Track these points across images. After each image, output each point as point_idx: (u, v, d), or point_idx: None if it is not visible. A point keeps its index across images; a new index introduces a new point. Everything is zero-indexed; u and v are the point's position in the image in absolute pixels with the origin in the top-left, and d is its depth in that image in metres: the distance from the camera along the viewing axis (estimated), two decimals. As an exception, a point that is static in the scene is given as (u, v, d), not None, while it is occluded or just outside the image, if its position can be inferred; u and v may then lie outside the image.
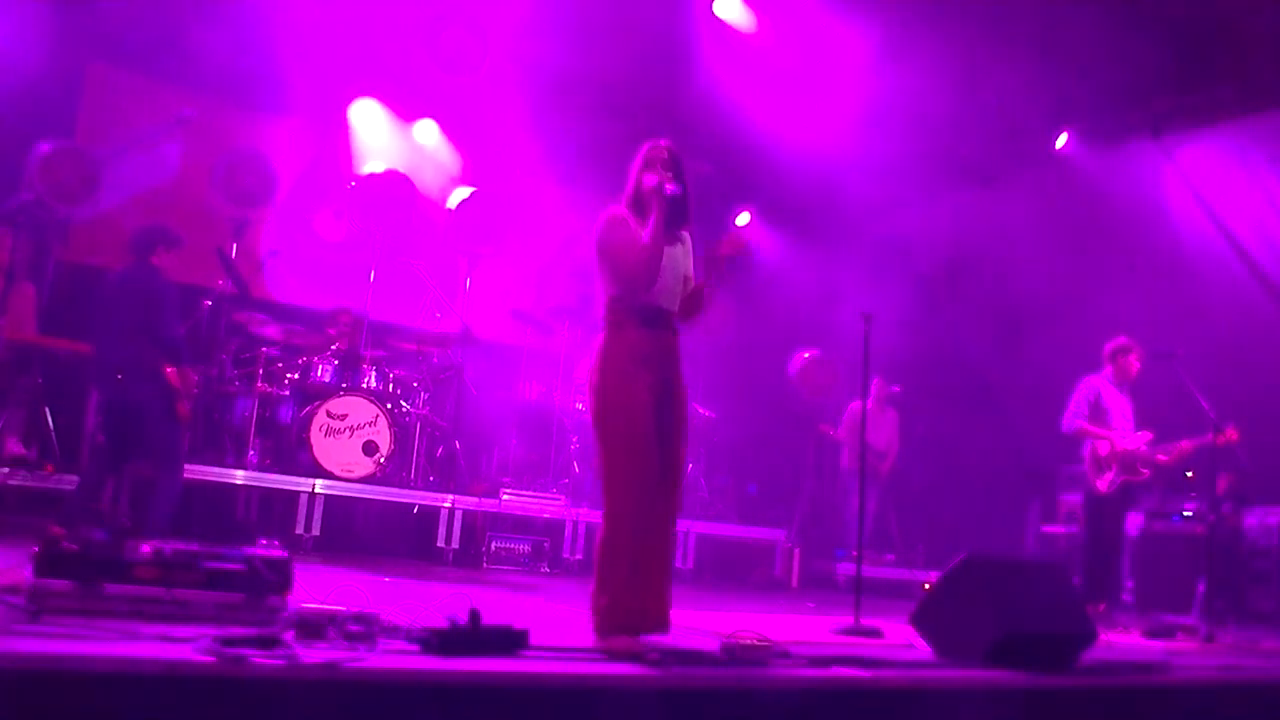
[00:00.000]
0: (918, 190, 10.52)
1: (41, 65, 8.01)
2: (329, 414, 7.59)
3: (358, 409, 7.67)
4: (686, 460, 4.00)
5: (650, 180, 3.83)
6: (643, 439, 3.67)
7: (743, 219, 11.62)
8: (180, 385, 5.88)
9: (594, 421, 3.78)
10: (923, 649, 4.16)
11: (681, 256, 3.93)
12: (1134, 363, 7.32)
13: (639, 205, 3.87)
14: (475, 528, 7.99)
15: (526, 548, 7.95)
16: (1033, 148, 9.69)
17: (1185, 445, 7.07)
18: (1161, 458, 7.13)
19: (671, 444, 3.80)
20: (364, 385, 7.96)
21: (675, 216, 3.87)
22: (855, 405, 9.57)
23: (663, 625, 3.66)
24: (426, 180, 10.07)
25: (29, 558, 3.15)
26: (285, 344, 8.14)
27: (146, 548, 3.25)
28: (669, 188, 3.79)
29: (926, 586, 4.83)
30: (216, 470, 7.34)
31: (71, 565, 3.12)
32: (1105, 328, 7.63)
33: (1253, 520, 8.36)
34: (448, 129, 10.26)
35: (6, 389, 6.93)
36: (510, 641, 3.16)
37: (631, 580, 3.59)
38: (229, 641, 2.63)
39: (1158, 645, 5.69)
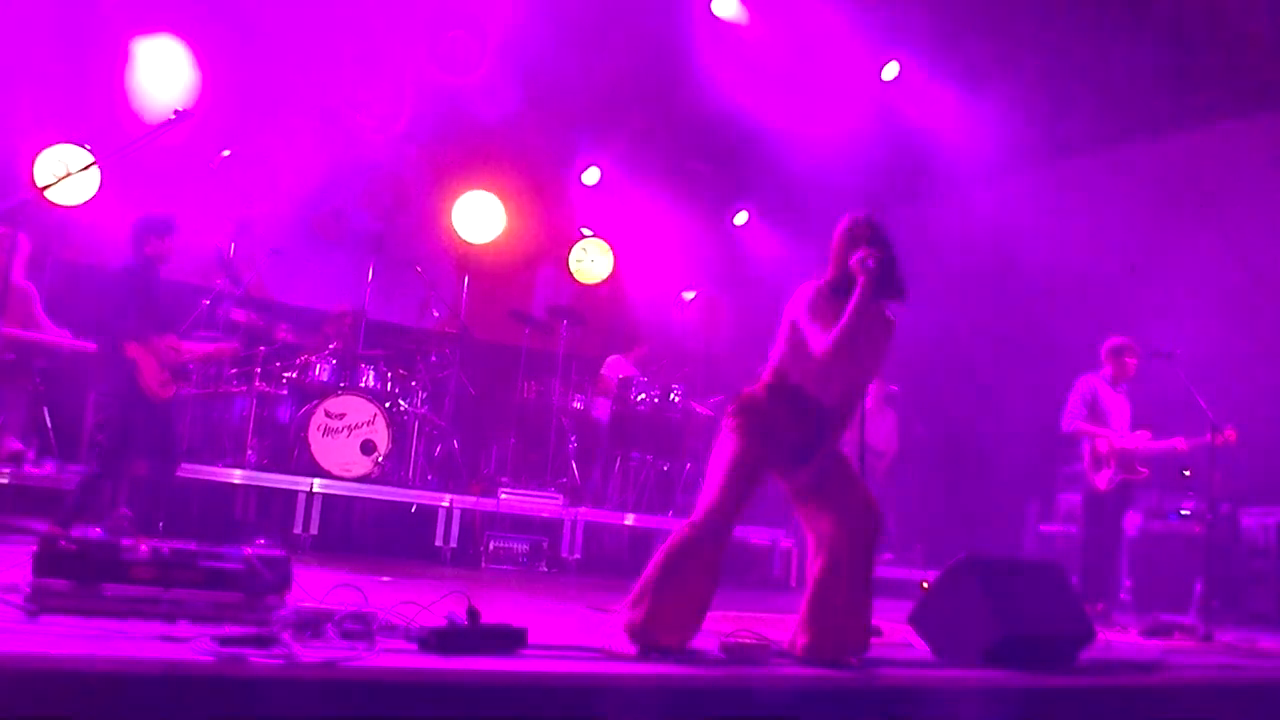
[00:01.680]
0: (916, 189, 10.53)
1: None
2: (327, 413, 7.58)
3: (356, 408, 7.66)
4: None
5: (855, 255, 3.73)
6: (726, 480, 3.65)
7: (741, 218, 11.63)
8: (139, 359, 5.75)
9: (712, 452, 3.80)
10: (921, 649, 4.16)
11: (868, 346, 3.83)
12: (1132, 362, 7.33)
13: (841, 284, 3.78)
14: (473, 527, 7.99)
15: (524, 547, 7.94)
16: (1032, 147, 9.69)
17: (1180, 442, 7.08)
18: (1155, 448, 7.15)
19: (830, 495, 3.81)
20: (362, 384, 7.96)
21: (880, 291, 3.77)
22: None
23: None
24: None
25: (29, 557, 3.15)
26: (283, 343, 8.14)
27: (144, 548, 3.24)
28: (870, 261, 3.69)
29: (925, 586, 4.83)
30: (214, 469, 7.34)
31: (70, 565, 3.12)
32: (1104, 327, 7.64)
33: (1250, 520, 8.37)
34: (445, 129, 10.25)
35: (5, 387, 6.92)
36: (509, 640, 3.16)
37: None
38: (227, 641, 2.63)
39: (1156, 644, 5.70)
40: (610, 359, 10.01)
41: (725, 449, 3.73)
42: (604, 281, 11.28)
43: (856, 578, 3.75)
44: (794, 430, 3.80)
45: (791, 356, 3.83)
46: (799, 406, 3.82)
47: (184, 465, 6.30)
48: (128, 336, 5.77)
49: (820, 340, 3.70)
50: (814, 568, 3.81)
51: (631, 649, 3.41)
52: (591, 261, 10.96)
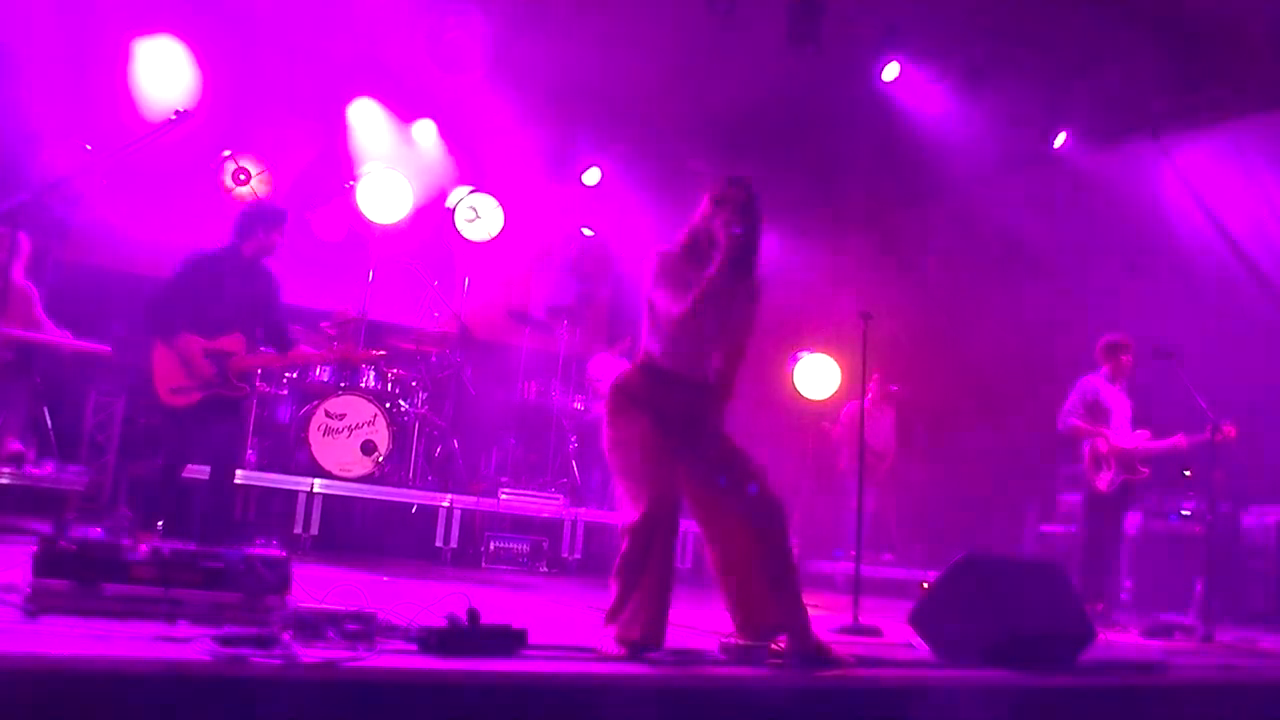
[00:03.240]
0: (917, 189, 10.53)
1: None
2: (327, 413, 7.58)
3: (356, 408, 7.66)
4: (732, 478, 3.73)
5: (720, 219, 3.62)
6: (648, 464, 3.58)
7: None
8: (156, 359, 5.41)
9: (605, 449, 3.74)
10: (921, 649, 4.16)
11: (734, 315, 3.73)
12: (1127, 359, 7.33)
13: (696, 251, 3.68)
14: (473, 527, 7.99)
15: (525, 547, 7.94)
16: (1032, 147, 9.69)
17: (1180, 441, 7.08)
18: (1156, 447, 7.15)
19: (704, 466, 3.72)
20: (362, 385, 7.96)
21: (739, 265, 3.64)
22: (853, 404, 9.57)
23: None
24: (423, 180, 10.06)
25: (29, 557, 3.15)
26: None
27: (145, 547, 3.24)
28: (736, 227, 3.58)
29: (925, 586, 4.83)
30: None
31: (70, 565, 3.12)
32: (1104, 327, 7.64)
33: (1251, 520, 8.37)
34: (446, 129, 10.25)
35: (6, 387, 6.92)
36: (509, 641, 3.16)
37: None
38: (227, 641, 2.62)
39: (1156, 645, 5.69)
40: (596, 357, 10.01)
41: (617, 441, 3.66)
42: (604, 280, 11.27)
43: (773, 569, 3.65)
44: (673, 410, 3.69)
45: (653, 333, 3.72)
46: (671, 386, 3.71)
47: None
48: (154, 333, 5.48)
49: (673, 307, 3.59)
50: (721, 567, 3.70)
51: (621, 650, 3.41)
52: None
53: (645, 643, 3.43)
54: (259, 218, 5.74)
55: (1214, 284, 8.87)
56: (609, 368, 9.59)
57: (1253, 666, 5.06)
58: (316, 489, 7.38)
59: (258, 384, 7.86)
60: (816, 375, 10.80)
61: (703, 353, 3.77)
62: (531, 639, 3.22)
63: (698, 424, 3.76)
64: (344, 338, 8.16)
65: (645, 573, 3.53)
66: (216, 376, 5.49)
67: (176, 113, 4.74)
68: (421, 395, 8.40)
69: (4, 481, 6.78)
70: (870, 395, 8.96)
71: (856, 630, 4.95)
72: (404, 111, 10.11)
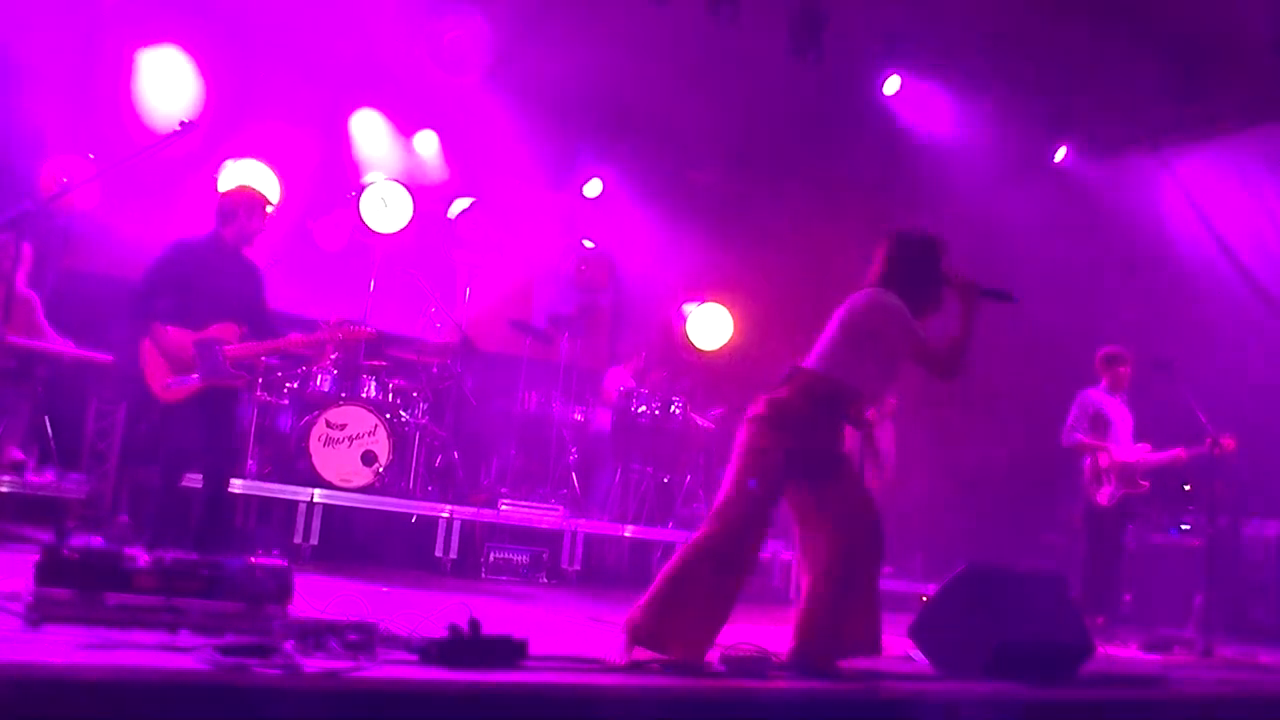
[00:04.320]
0: (917, 197, 10.54)
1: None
2: (328, 423, 7.58)
3: (357, 418, 7.66)
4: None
5: (957, 273, 3.95)
6: (753, 493, 3.65)
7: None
8: (145, 353, 5.28)
9: (732, 457, 3.78)
10: (921, 661, 4.16)
11: None
12: (1125, 370, 7.35)
13: (918, 296, 3.94)
14: (473, 538, 7.98)
15: (525, 558, 7.93)
16: (1033, 159, 9.72)
17: (1180, 453, 7.08)
18: (1156, 459, 7.16)
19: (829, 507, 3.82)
20: (363, 395, 7.97)
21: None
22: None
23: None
24: (425, 191, 10.08)
25: (31, 565, 3.16)
26: (284, 353, 8.11)
27: (146, 557, 3.25)
28: (996, 287, 3.95)
29: (925, 598, 4.83)
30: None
31: (72, 574, 3.12)
32: (1104, 339, 7.65)
33: (1251, 533, 8.36)
34: (447, 140, 10.28)
35: (7, 395, 6.93)
36: (510, 652, 3.16)
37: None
38: (228, 650, 2.63)
39: (1155, 658, 5.69)
40: (611, 370, 10.03)
41: (752, 452, 3.68)
42: (605, 291, 11.28)
43: (869, 577, 3.79)
44: (823, 434, 3.81)
45: (856, 363, 3.82)
46: (838, 411, 3.83)
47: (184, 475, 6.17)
48: (136, 321, 5.36)
49: (941, 354, 3.86)
50: (816, 571, 3.80)
51: (624, 659, 3.41)
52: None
53: (665, 650, 3.44)
54: (240, 204, 5.62)
55: (1214, 295, 8.88)
56: (620, 382, 9.62)
57: (1252, 680, 5.06)
58: (317, 499, 7.38)
59: (259, 393, 7.87)
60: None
61: (882, 389, 4.04)
62: (532, 650, 3.22)
63: (834, 450, 3.88)
64: (344, 347, 8.16)
65: (686, 584, 3.54)
66: (208, 363, 5.37)
67: (181, 124, 4.75)
68: (422, 406, 8.40)
69: (5, 489, 6.78)
70: (877, 409, 8.95)
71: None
72: (406, 122, 10.13)
